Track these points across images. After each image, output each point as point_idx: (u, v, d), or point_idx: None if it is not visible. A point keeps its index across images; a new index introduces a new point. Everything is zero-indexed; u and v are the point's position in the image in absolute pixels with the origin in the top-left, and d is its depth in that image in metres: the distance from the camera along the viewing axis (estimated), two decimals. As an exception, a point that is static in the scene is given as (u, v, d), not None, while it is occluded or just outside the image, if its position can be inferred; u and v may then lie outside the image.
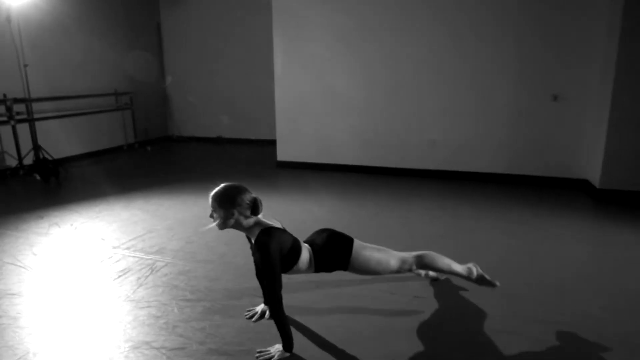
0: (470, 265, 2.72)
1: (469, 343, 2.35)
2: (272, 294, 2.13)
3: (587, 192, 5.33)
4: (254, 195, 2.23)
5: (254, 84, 8.25)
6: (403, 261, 2.53)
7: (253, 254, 2.37)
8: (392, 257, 2.52)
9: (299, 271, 2.40)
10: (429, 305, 2.71)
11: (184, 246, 3.64)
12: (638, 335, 2.39)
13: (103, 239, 3.76)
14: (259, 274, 2.56)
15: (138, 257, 3.41)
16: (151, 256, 3.42)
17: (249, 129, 8.59)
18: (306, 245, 2.44)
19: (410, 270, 2.60)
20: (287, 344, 2.20)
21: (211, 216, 2.21)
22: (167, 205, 4.71)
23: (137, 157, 7.52)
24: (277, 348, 2.22)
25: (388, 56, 5.95)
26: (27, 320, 2.53)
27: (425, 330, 2.45)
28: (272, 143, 7.57)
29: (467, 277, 2.67)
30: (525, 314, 2.60)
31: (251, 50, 8.16)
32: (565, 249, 3.63)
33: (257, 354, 2.22)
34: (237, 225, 2.22)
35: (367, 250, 2.48)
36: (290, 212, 4.45)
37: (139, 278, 3.06)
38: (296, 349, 2.24)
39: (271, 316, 2.17)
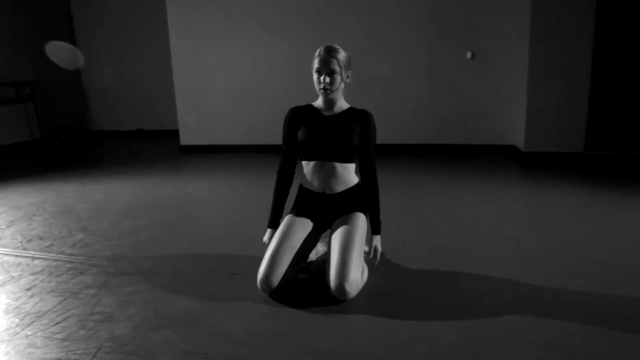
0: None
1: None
2: (374, 168, 2.16)
3: (513, 157, 5.05)
4: None
5: (171, 72, 7.67)
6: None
7: (328, 126, 2.23)
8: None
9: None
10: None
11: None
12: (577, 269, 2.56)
13: None
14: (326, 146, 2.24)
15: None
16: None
17: (170, 120, 7.96)
18: None
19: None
20: (379, 226, 2.16)
21: (330, 74, 2.12)
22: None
23: (40, 153, 6.78)
24: (374, 242, 2.14)
25: (290, 28, 5.54)
26: None
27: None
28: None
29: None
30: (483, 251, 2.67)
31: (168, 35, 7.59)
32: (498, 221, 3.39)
33: (367, 257, 2.14)
34: (338, 89, 2.17)
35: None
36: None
37: None
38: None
39: (374, 199, 2.16)
